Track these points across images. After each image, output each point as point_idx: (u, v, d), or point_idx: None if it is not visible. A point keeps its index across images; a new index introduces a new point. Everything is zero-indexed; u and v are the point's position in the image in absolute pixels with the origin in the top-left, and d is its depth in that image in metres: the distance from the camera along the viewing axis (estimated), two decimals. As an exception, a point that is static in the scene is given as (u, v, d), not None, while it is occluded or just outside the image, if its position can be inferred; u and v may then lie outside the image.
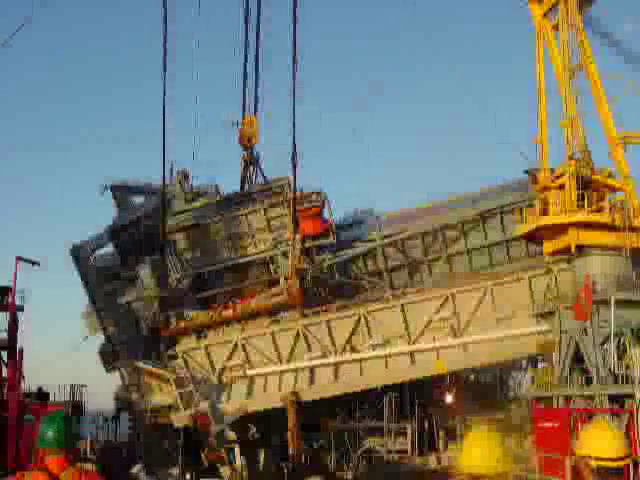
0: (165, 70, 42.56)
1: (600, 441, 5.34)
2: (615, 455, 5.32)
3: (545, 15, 37.62)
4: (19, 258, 38.40)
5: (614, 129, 36.29)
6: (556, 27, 37.01)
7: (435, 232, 45.30)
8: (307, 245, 44.45)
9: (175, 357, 41.93)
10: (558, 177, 36.44)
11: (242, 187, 50.19)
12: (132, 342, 45.86)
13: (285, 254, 45.17)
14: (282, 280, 43.93)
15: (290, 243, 43.37)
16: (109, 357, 46.98)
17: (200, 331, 42.67)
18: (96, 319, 45.99)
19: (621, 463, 5.33)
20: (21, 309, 37.96)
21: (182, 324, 42.24)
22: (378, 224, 46.77)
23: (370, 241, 45.91)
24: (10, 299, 37.61)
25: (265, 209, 45.55)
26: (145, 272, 44.35)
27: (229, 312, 42.25)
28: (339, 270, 45.71)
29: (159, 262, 43.97)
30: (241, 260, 46.54)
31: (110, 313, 45.75)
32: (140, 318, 45.06)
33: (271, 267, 46.61)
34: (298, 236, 43.38)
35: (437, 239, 45.60)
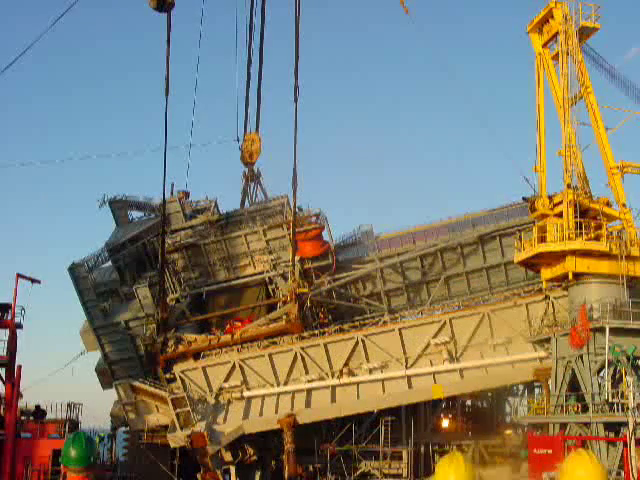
0: (167, 95, 42.29)
1: (580, 472, 5.57)
2: None
3: (545, 45, 37.97)
4: (19, 275, 38.21)
5: (612, 158, 36.54)
6: (556, 57, 37.29)
7: (434, 254, 45.39)
8: (306, 267, 44.63)
9: (173, 377, 41.95)
10: (556, 205, 36.56)
11: (242, 203, 50.31)
12: (129, 360, 45.83)
13: (284, 275, 45.29)
14: (281, 304, 43.81)
15: (289, 266, 43.40)
16: (106, 374, 46.90)
17: (198, 354, 42.52)
18: (94, 336, 45.93)
19: None
20: (20, 326, 37.79)
21: (180, 348, 42.00)
22: (377, 246, 46.81)
23: (369, 262, 45.94)
24: (9, 316, 37.47)
25: (264, 231, 45.60)
26: (143, 292, 44.20)
27: (227, 337, 42.13)
28: (338, 292, 45.86)
29: (157, 282, 43.79)
30: (239, 281, 46.52)
31: (107, 331, 45.62)
32: (138, 336, 44.97)
33: (269, 288, 46.72)
34: (297, 263, 43.37)
35: (436, 261, 45.69)
